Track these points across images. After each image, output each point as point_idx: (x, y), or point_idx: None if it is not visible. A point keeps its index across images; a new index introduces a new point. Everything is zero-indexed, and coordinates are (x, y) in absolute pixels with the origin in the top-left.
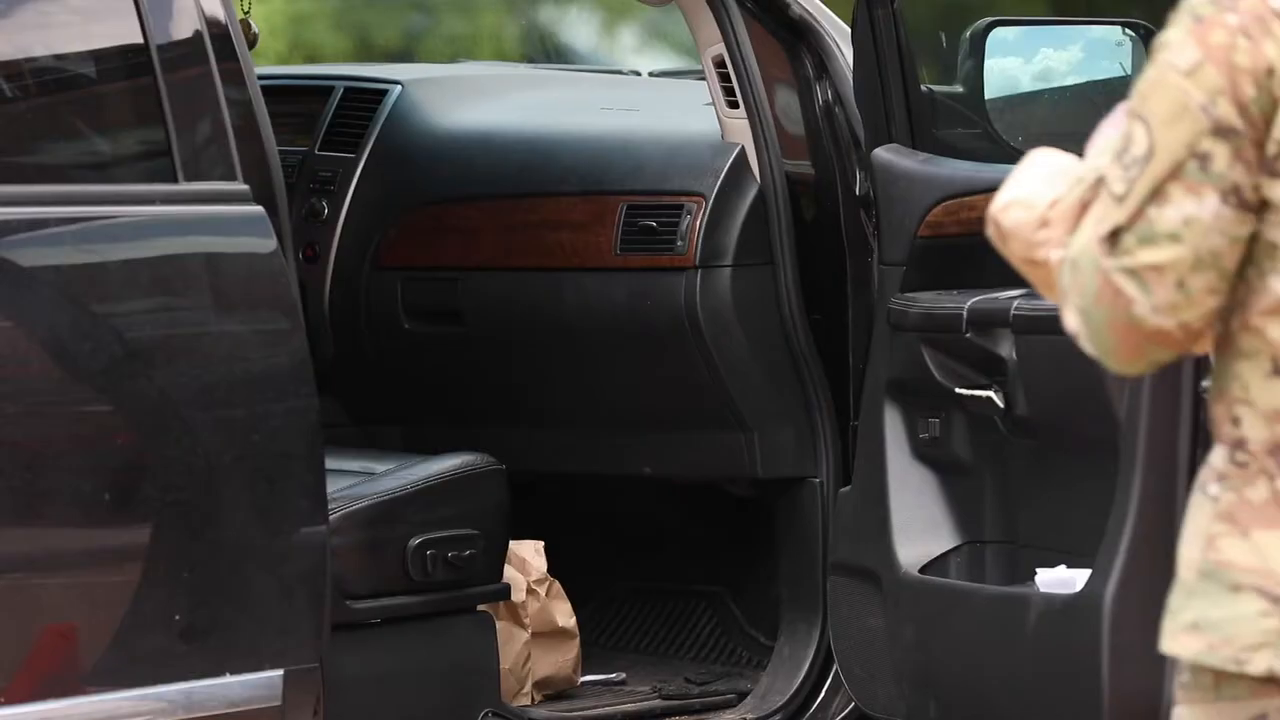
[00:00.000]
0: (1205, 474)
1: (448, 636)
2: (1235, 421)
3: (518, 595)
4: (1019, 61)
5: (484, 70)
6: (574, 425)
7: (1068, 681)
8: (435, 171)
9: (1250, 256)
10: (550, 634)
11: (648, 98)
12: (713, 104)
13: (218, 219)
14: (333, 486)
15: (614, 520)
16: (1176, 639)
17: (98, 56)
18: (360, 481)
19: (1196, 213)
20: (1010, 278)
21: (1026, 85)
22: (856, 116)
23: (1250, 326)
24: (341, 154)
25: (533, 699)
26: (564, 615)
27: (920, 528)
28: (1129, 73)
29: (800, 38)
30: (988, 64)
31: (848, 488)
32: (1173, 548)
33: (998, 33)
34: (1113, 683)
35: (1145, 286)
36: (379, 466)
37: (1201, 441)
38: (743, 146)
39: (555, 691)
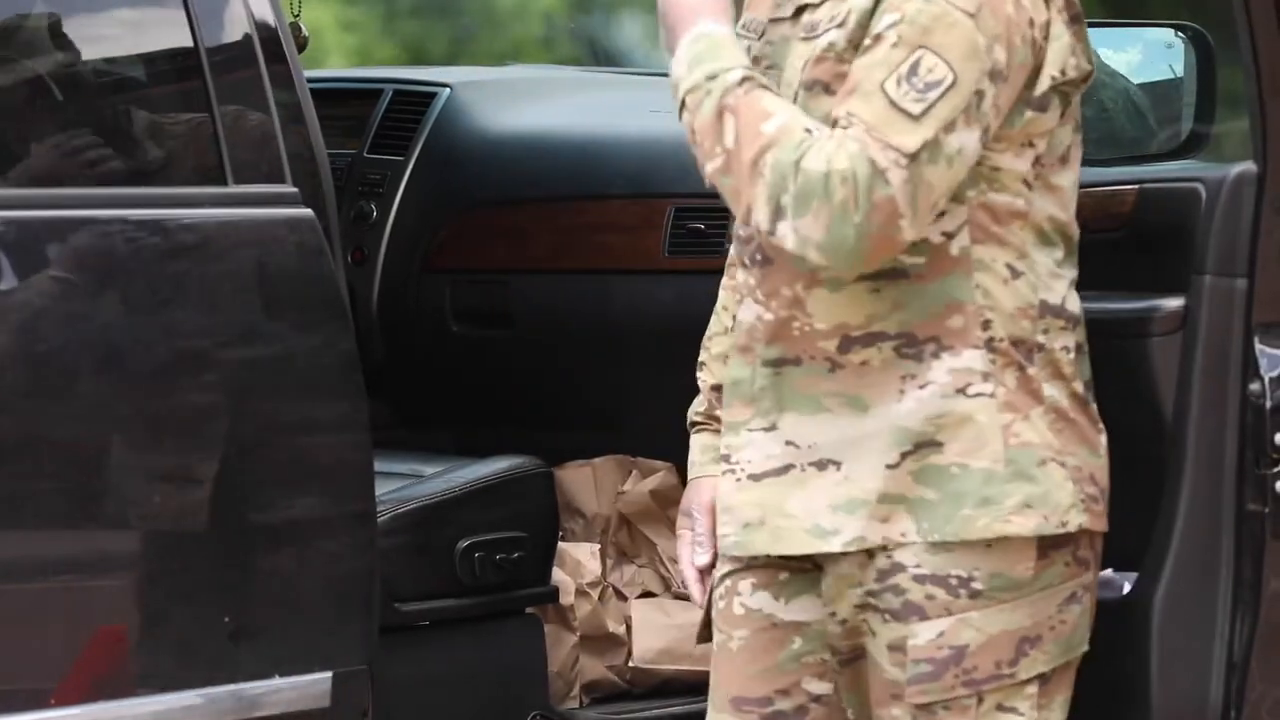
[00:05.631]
0: (959, 379)
1: (496, 639)
2: (985, 325)
3: (566, 598)
4: None
5: (532, 73)
6: (624, 427)
7: (1115, 685)
8: (484, 174)
9: (969, 179)
10: (600, 638)
11: None
12: None
13: (267, 221)
14: (381, 489)
15: None
16: (1010, 522)
17: (147, 60)
18: (409, 484)
19: (968, 143)
20: None
21: None
22: None
23: (991, 235)
24: (390, 157)
25: (581, 702)
26: (615, 621)
27: None
28: (1179, 75)
29: None
30: None
31: None
32: (1221, 551)
33: None
34: (1161, 686)
35: (917, 203)
36: (427, 469)
37: (1250, 443)
38: None
39: (603, 694)
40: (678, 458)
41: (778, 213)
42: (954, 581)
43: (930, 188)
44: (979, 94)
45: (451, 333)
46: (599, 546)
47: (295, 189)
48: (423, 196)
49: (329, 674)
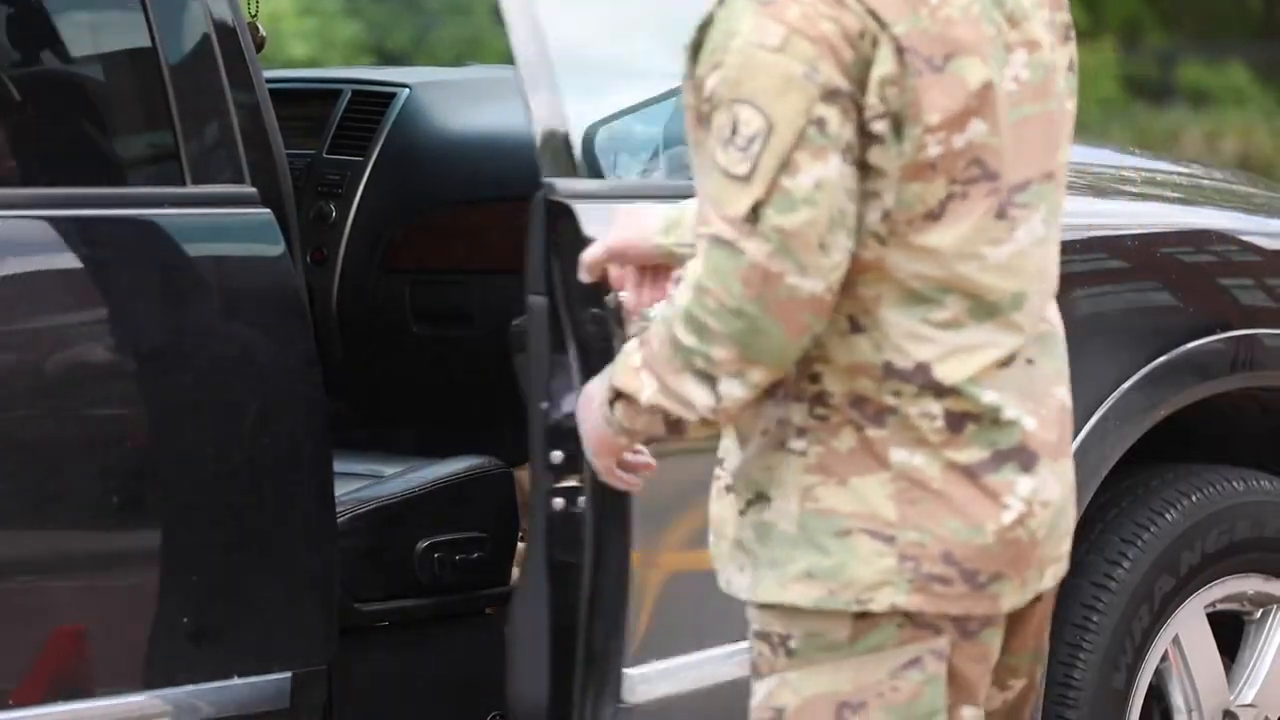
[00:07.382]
0: (781, 431)
1: (456, 639)
2: (814, 378)
3: None
4: None
5: (491, 73)
6: None
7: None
8: (443, 174)
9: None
10: None
11: None
12: None
13: (226, 222)
14: (341, 489)
15: None
16: (789, 589)
17: (106, 60)
18: (369, 484)
19: (825, 174)
20: None
21: None
22: None
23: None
24: (350, 157)
25: None
26: None
27: None
28: None
29: None
30: None
31: None
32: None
33: None
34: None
35: (792, 254)
36: (387, 469)
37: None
38: None
39: None
40: None
41: (708, 380)
42: (775, 639)
43: (798, 234)
44: (818, 122)
45: (411, 332)
46: None
47: (254, 189)
48: (382, 196)
49: (288, 674)
